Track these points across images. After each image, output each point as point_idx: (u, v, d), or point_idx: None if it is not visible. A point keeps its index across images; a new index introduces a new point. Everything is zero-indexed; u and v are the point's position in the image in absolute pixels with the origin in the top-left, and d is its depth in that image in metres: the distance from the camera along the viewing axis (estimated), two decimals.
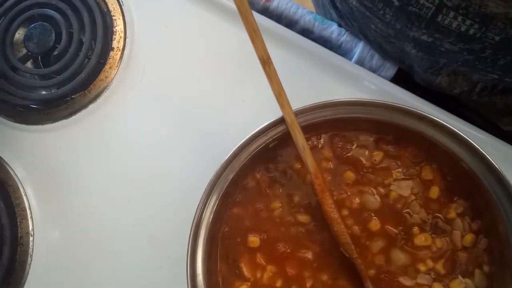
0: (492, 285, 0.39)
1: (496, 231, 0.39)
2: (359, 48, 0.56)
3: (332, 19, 0.65)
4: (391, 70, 0.56)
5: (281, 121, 0.41)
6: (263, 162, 0.43)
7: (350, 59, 0.56)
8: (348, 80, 0.52)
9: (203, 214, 0.40)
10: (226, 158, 0.40)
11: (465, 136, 0.39)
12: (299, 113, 0.41)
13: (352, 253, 0.41)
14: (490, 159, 0.38)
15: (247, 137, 0.39)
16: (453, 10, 0.40)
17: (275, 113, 0.41)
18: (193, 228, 0.39)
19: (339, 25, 0.58)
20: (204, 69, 0.54)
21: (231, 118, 0.52)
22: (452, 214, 0.42)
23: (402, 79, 0.56)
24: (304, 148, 0.41)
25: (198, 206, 0.40)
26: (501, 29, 0.39)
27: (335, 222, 0.41)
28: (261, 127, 0.40)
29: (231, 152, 0.40)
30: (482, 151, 0.38)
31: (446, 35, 0.43)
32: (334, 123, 0.41)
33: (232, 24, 0.54)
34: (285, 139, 0.42)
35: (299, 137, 0.41)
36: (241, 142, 0.40)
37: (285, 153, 0.44)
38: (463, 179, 0.40)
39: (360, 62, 0.56)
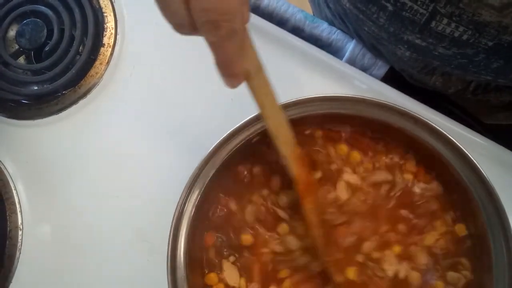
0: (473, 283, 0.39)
1: (478, 230, 0.39)
2: (351, 46, 0.56)
3: (326, 18, 0.65)
4: (382, 68, 0.56)
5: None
6: (247, 156, 0.43)
7: (341, 57, 0.55)
8: (338, 78, 0.52)
9: (185, 208, 0.40)
10: (207, 153, 0.40)
11: (445, 132, 0.39)
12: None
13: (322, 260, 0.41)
14: (469, 154, 0.38)
15: (228, 131, 0.40)
16: (446, 17, 0.40)
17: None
18: (174, 221, 0.39)
19: (333, 25, 0.58)
20: (193, 66, 0.54)
21: (219, 114, 0.52)
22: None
23: (394, 77, 0.56)
24: (286, 156, 0.40)
25: (178, 201, 0.40)
26: (494, 35, 0.39)
27: (314, 228, 0.41)
28: (243, 121, 0.40)
29: (212, 146, 0.40)
30: (463, 148, 0.38)
31: (439, 40, 0.43)
32: (314, 119, 0.41)
33: None
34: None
35: (282, 147, 0.39)
36: (223, 136, 0.40)
37: (271, 147, 0.44)
38: (444, 175, 0.40)
39: (352, 60, 0.55)
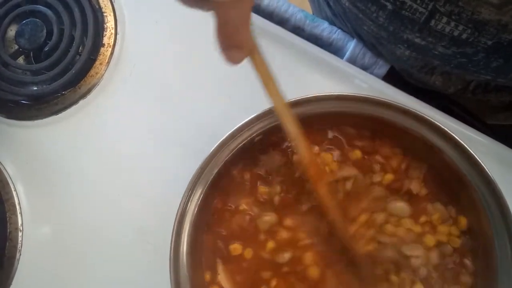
0: (476, 283, 0.39)
1: (481, 228, 0.38)
2: (352, 45, 0.56)
3: (326, 17, 0.65)
4: (383, 67, 0.56)
5: (266, 114, 0.41)
6: (250, 155, 0.43)
7: (341, 56, 0.55)
8: (339, 78, 0.52)
9: (187, 207, 0.40)
10: (210, 151, 0.40)
11: (447, 130, 0.39)
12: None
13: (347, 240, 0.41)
14: (472, 152, 0.38)
15: (231, 130, 0.39)
16: (446, 15, 0.40)
17: (262, 108, 0.41)
18: (176, 222, 0.39)
19: (333, 24, 0.58)
20: (194, 66, 0.54)
21: (220, 113, 0.51)
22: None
23: (394, 77, 0.56)
24: (297, 137, 0.39)
25: (181, 200, 0.40)
26: (494, 34, 0.39)
27: (331, 210, 0.41)
28: (245, 120, 0.40)
29: (215, 145, 0.40)
30: (466, 145, 0.38)
31: (439, 39, 0.43)
32: (314, 118, 0.41)
33: None
34: (272, 133, 0.42)
35: (290, 126, 0.38)
36: (225, 136, 0.40)
37: (272, 147, 0.44)
38: (447, 174, 0.40)
39: (352, 60, 0.55)
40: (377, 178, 0.43)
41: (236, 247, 0.42)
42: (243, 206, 0.43)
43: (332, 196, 0.41)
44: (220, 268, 0.42)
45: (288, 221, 0.42)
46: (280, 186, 0.43)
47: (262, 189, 0.43)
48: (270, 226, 0.42)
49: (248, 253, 0.42)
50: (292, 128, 0.38)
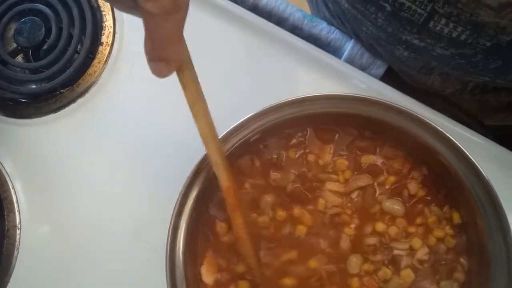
0: (470, 281, 0.39)
1: (475, 227, 0.38)
2: (350, 45, 0.56)
3: (324, 18, 0.65)
4: (381, 68, 0.56)
5: (263, 114, 0.41)
6: (246, 155, 0.43)
7: (339, 57, 0.55)
8: (337, 78, 0.52)
9: (183, 208, 0.40)
10: (205, 152, 0.39)
11: (443, 131, 0.39)
12: (272, 109, 0.40)
13: (255, 279, 0.41)
14: (468, 153, 0.38)
15: (227, 130, 0.40)
16: (444, 17, 0.40)
17: (259, 107, 0.41)
18: (172, 222, 0.39)
19: (332, 24, 0.58)
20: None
21: (218, 112, 0.51)
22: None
23: (392, 77, 0.56)
24: (218, 166, 0.38)
25: (177, 200, 0.40)
26: (493, 35, 0.39)
27: (243, 243, 0.40)
28: (241, 120, 0.40)
29: None
30: (461, 146, 0.38)
31: (437, 40, 0.43)
32: (312, 118, 0.41)
33: (219, 21, 0.54)
34: (269, 132, 0.42)
35: (213, 154, 0.37)
36: (221, 135, 0.40)
37: (270, 145, 0.44)
38: (443, 174, 0.40)
39: (350, 60, 0.56)
40: (381, 180, 0.43)
41: None
42: None
43: (247, 228, 0.40)
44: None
45: None
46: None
47: None
48: None
49: None
50: (214, 157, 0.37)
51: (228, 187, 0.38)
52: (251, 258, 0.40)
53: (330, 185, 0.43)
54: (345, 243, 0.41)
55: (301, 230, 0.42)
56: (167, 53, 0.29)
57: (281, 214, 0.42)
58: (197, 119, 0.35)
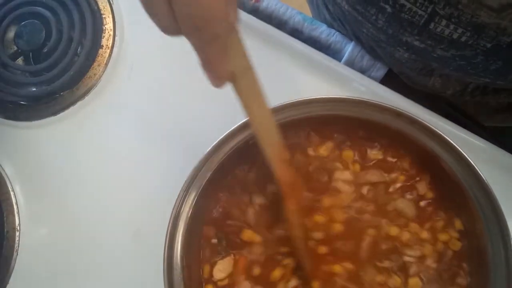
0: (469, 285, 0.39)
1: (474, 231, 0.38)
2: (350, 48, 0.56)
3: (325, 21, 0.65)
4: (381, 70, 0.56)
5: None
6: (245, 158, 0.43)
7: (339, 59, 0.55)
8: (337, 81, 0.52)
9: (181, 209, 0.40)
10: (204, 154, 0.40)
11: (443, 134, 0.39)
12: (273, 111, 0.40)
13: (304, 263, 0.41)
14: (467, 157, 0.38)
15: (226, 133, 0.40)
16: (445, 18, 0.40)
17: None
18: (170, 224, 0.39)
19: (332, 27, 0.58)
20: (191, 68, 0.53)
21: (216, 115, 0.51)
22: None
23: (392, 79, 0.56)
24: (270, 160, 0.38)
25: (175, 202, 0.40)
26: (493, 37, 0.39)
27: (295, 228, 0.40)
28: (240, 123, 0.40)
29: (209, 148, 0.40)
30: (460, 149, 0.38)
31: (438, 41, 0.43)
32: (312, 120, 0.41)
33: None
34: None
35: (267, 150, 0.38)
36: (220, 138, 0.40)
37: None
38: (441, 177, 0.40)
39: (350, 62, 0.55)
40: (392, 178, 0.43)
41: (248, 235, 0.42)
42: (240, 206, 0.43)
43: (299, 215, 0.40)
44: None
45: None
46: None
47: None
48: None
49: None
50: (267, 151, 0.38)
51: (282, 177, 0.39)
52: (301, 243, 0.40)
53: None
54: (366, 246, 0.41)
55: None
56: (215, 72, 0.34)
57: None
58: (251, 121, 0.38)
